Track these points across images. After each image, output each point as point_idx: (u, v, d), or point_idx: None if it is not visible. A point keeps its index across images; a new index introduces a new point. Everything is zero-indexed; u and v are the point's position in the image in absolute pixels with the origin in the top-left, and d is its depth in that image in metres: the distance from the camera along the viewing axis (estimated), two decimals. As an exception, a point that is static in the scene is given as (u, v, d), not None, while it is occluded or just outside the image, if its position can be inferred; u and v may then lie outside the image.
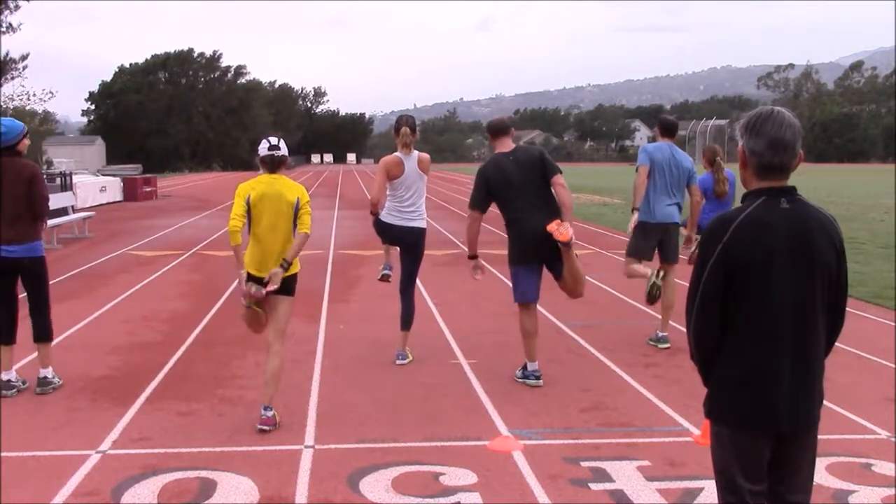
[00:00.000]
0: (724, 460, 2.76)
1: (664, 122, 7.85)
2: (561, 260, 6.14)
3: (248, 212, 5.26)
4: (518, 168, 6.16)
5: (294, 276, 5.37)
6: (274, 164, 5.37)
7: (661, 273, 7.26)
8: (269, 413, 5.26)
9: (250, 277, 5.28)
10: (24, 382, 6.17)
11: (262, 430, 5.18)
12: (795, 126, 2.67)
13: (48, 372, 6.10)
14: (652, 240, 7.45)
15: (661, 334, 7.59)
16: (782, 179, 2.70)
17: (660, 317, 7.69)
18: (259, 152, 5.43)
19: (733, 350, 2.69)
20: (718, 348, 2.71)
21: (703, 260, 2.70)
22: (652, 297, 7.24)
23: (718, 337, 2.70)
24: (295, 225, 5.33)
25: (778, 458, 2.74)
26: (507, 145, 6.33)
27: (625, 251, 7.79)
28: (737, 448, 2.72)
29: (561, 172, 6.25)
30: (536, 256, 6.21)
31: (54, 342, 6.54)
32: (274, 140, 5.46)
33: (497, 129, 6.40)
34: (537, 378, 6.24)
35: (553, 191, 6.21)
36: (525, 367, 6.34)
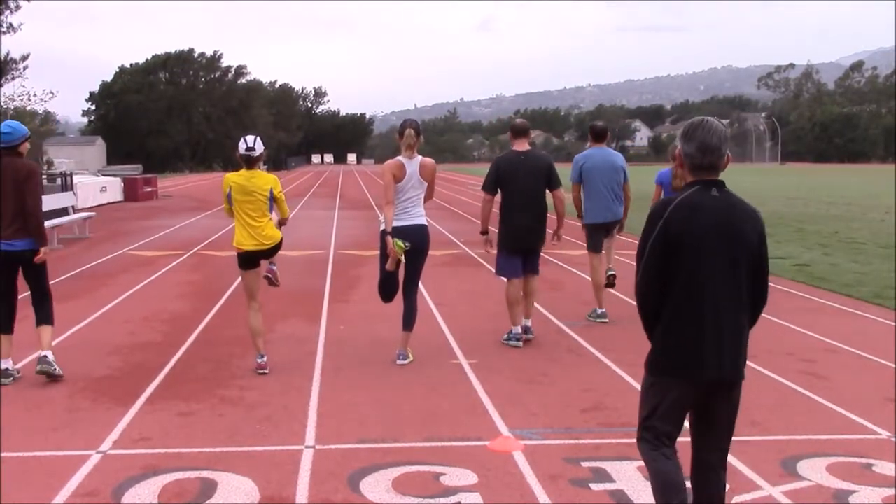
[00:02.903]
0: (647, 405, 3.29)
1: (594, 129, 8.84)
2: (535, 255, 7.49)
3: (231, 200, 6.38)
4: (525, 167, 7.26)
5: (278, 246, 6.59)
6: (250, 162, 6.37)
7: (611, 272, 8.60)
8: (265, 360, 6.50)
9: (241, 253, 6.45)
10: (18, 372, 6.28)
11: (263, 374, 6.40)
12: (721, 133, 3.19)
13: (48, 353, 6.15)
14: (600, 236, 8.60)
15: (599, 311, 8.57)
16: (713, 176, 3.22)
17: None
18: (238, 150, 6.37)
19: (669, 311, 3.19)
20: (660, 309, 3.20)
21: (646, 234, 3.21)
22: (609, 283, 8.60)
23: (659, 300, 3.19)
24: (272, 209, 6.50)
25: (703, 411, 3.26)
26: (523, 146, 7.43)
27: (585, 247, 8.90)
28: (661, 394, 3.23)
29: (561, 186, 7.38)
30: (520, 248, 7.34)
31: (55, 342, 6.58)
32: (250, 141, 6.38)
33: (519, 131, 7.51)
34: (518, 340, 7.26)
35: (552, 200, 7.37)
36: (510, 332, 7.33)
